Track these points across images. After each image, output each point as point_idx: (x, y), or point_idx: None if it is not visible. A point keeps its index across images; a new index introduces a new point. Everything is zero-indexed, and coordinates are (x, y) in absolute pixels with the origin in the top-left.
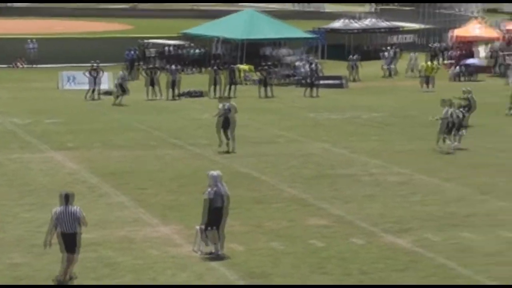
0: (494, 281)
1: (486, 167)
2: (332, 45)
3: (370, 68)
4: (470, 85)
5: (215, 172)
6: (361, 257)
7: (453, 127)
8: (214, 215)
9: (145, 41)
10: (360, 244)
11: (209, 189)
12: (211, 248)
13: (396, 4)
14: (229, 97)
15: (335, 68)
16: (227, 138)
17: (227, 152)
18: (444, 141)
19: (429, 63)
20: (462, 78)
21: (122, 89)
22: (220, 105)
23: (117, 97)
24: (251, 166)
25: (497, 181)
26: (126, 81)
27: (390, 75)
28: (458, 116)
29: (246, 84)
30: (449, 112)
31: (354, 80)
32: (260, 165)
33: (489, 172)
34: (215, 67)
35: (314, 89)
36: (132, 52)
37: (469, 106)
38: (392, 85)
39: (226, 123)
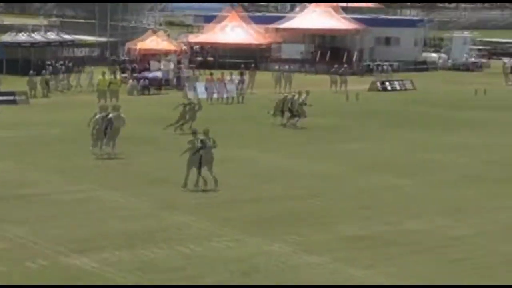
0: None
1: (165, 182)
2: (10, 59)
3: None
4: (151, 98)
5: None
6: (44, 280)
7: (105, 133)
8: None
9: None
10: (42, 266)
11: None
12: None
13: (80, 17)
14: None
15: (20, 83)
16: None
17: None
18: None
19: (106, 76)
20: (146, 92)
21: None
22: None
23: None
24: None
25: (178, 196)
26: None
27: (48, 89)
28: (111, 123)
29: None
30: (99, 118)
31: (44, 96)
32: None
33: (168, 186)
34: None
35: None
36: None
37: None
38: (72, 100)
39: None
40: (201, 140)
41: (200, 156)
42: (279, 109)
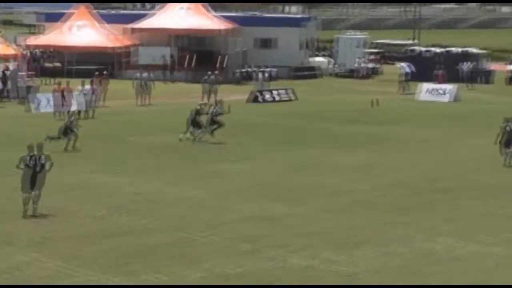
0: None
1: (0, 213)
2: None
3: None
4: None
5: None
6: None
7: None
8: None
9: None
10: None
11: None
12: None
13: None
14: None
15: None
16: None
17: None
18: None
19: None
20: None
21: None
22: None
23: None
24: None
25: (17, 229)
26: None
27: None
28: None
29: None
30: None
31: None
32: None
33: (5, 218)
34: None
35: None
36: None
37: None
38: None
39: None
40: (34, 158)
41: (35, 177)
42: (189, 123)
